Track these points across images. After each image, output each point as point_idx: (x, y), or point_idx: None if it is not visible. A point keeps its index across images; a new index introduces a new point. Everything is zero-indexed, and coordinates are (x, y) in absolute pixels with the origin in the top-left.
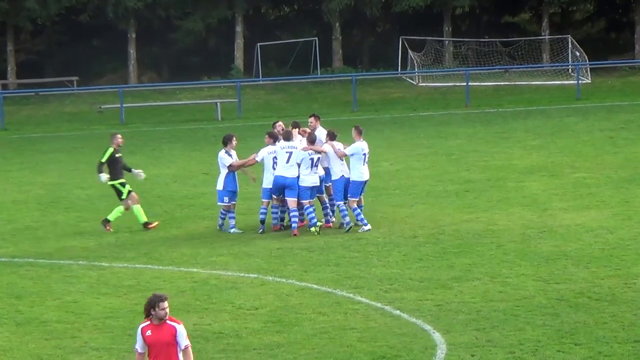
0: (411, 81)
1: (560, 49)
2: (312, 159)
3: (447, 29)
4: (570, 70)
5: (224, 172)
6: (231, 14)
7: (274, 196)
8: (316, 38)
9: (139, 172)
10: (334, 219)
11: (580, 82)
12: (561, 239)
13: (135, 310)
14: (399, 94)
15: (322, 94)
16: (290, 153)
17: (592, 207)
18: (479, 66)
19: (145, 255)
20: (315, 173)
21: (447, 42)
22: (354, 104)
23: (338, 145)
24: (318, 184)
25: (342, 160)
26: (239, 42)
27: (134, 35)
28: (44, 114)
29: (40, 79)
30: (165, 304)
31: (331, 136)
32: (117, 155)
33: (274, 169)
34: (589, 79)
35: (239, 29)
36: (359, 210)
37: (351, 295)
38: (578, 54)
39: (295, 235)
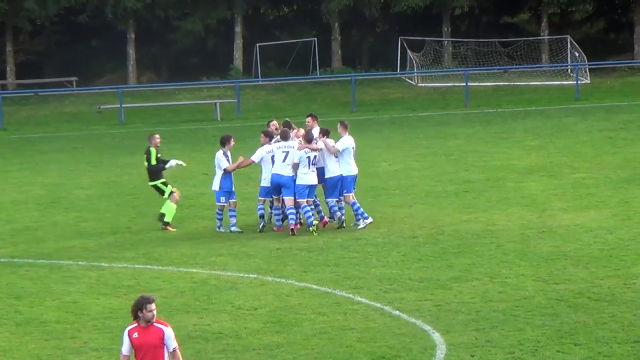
0: (410, 81)
1: (559, 49)
2: (309, 157)
3: (446, 29)
4: (569, 70)
5: (219, 172)
6: (230, 15)
7: (274, 197)
8: (315, 38)
9: (178, 163)
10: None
11: (579, 82)
12: (560, 239)
13: None
14: (398, 94)
15: (321, 94)
16: (287, 152)
17: (592, 207)
18: (478, 66)
19: (145, 256)
20: (313, 172)
21: (446, 42)
22: (353, 104)
23: (330, 142)
24: (316, 183)
25: (337, 157)
26: (238, 43)
27: (133, 36)
28: (43, 114)
29: (40, 79)
30: (153, 305)
31: (324, 132)
32: (158, 155)
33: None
34: (588, 79)
35: (238, 29)
36: (357, 205)
37: (351, 295)
38: (577, 54)
39: (292, 230)
